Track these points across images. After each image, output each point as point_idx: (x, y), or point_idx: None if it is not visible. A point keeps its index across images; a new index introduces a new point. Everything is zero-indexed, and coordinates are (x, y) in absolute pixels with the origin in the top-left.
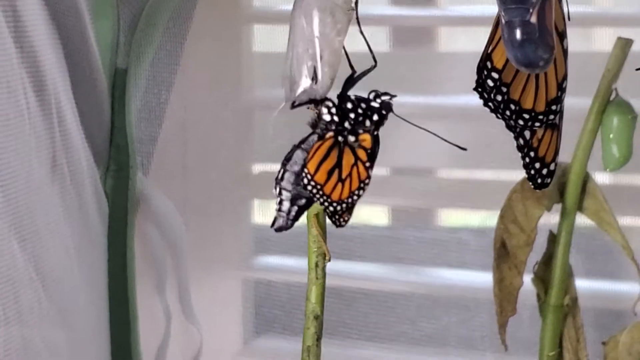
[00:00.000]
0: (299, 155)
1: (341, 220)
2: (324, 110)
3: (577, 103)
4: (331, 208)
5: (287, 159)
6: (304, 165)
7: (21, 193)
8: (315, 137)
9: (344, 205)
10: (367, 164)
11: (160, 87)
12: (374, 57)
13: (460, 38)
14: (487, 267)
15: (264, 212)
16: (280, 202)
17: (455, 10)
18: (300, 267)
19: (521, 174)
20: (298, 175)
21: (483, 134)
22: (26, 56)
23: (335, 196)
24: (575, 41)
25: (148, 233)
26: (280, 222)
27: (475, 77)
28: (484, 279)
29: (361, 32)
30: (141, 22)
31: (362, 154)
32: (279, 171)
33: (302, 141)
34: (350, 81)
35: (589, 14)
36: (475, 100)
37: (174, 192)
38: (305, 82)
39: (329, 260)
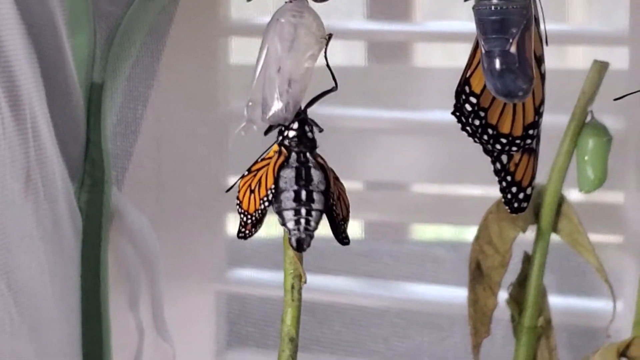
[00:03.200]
0: None
1: (246, 231)
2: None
3: (549, 120)
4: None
5: None
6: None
7: None
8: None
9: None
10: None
11: (137, 101)
12: (335, 81)
13: (436, 53)
14: (460, 282)
15: (237, 225)
16: None
17: (431, 26)
18: (274, 281)
19: (494, 190)
20: None
21: (457, 149)
22: (1, 70)
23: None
24: (548, 59)
25: (122, 248)
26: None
27: (450, 92)
28: (457, 294)
29: (328, 66)
30: (118, 37)
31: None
32: None
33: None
34: (313, 100)
35: (562, 31)
36: (449, 116)
37: (147, 204)
38: (276, 106)
39: (305, 282)
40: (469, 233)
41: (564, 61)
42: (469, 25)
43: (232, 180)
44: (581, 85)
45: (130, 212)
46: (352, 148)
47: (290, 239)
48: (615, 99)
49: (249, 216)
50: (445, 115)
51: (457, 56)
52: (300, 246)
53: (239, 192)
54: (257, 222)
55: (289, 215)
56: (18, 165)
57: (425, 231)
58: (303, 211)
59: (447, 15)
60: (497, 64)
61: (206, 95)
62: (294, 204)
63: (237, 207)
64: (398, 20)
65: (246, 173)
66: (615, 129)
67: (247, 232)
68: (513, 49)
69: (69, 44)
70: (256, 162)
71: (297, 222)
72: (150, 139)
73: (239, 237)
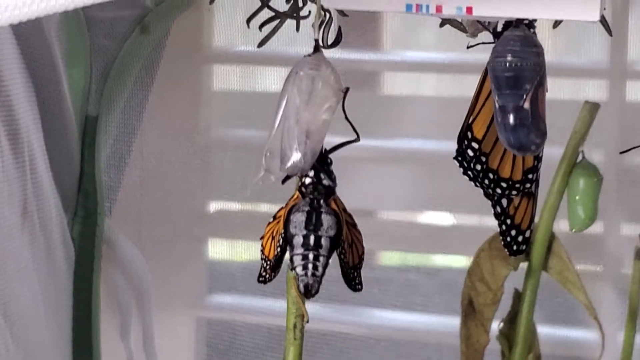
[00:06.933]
0: None
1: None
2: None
3: None
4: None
5: None
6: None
7: None
8: None
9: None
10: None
11: (130, 135)
12: (356, 132)
13: (406, 82)
14: (434, 308)
15: (219, 251)
16: None
17: (400, 55)
18: (255, 306)
19: (461, 217)
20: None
21: (423, 176)
22: (1, 104)
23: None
24: None
25: (114, 279)
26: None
27: (418, 120)
28: (444, 322)
29: (347, 119)
30: (113, 71)
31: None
32: None
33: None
34: (335, 147)
35: None
36: (416, 143)
37: (130, 229)
38: (295, 156)
39: (307, 322)
40: (436, 259)
41: None
42: (436, 56)
43: (214, 206)
44: (558, 117)
45: (122, 243)
46: None
47: (298, 285)
48: (621, 152)
49: (268, 262)
50: (413, 143)
51: (425, 85)
52: (308, 292)
53: (263, 238)
54: (275, 267)
55: (297, 260)
56: (16, 198)
57: (391, 258)
58: (311, 256)
59: (417, 45)
60: (511, 118)
61: (189, 121)
62: (301, 249)
63: (261, 253)
64: (368, 49)
65: (271, 220)
66: (594, 161)
67: (267, 276)
68: (527, 105)
69: (66, 77)
70: (280, 209)
71: (305, 267)
72: (133, 162)
73: (259, 281)
